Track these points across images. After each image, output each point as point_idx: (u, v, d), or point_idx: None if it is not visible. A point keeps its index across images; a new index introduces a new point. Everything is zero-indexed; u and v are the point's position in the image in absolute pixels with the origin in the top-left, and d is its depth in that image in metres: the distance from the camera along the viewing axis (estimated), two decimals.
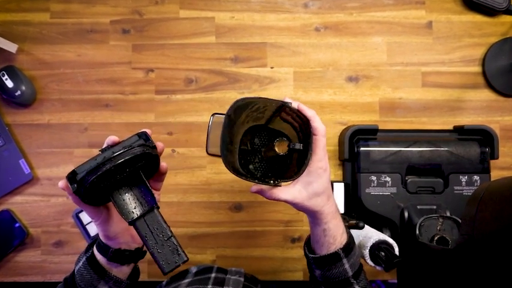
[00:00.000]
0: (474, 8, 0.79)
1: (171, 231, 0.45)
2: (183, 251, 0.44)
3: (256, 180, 0.49)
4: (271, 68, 0.79)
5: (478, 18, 0.80)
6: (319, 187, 0.49)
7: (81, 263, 0.51)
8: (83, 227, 0.76)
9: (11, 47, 0.77)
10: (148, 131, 0.46)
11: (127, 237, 0.51)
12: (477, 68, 0.79)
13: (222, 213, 0.78)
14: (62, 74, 0.79)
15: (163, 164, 0.48)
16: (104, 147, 0.45)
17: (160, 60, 0.80)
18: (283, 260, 0.78)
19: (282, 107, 0.50)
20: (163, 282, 0.68)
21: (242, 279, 0.64)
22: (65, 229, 0.78)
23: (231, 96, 0.79)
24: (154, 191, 0.49)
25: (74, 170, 0.42)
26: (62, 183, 0.44)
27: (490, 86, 0.78)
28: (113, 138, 0.46)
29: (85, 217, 0.76)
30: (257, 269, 0.77)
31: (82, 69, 0.79)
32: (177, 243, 0.44)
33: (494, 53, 0.78)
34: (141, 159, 0.43)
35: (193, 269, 0.69)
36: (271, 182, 0.49)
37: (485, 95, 0.79)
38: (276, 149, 0.52)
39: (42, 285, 0.78)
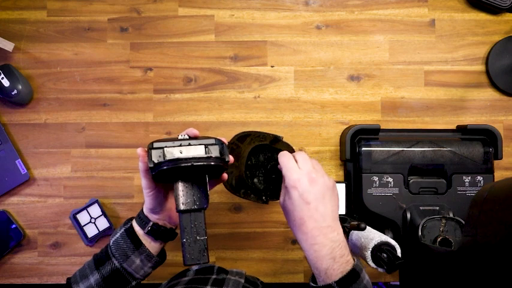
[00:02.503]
0: (477, 6, 0.78)
1: (206, 234, 0.50)
2: (208, 254, 0.49)
3: (252, 196, 0.61)
4: (272, 66, 0.78)
5: (482, 16, 0.78)
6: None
7: (118, 234, 0.55)
8: (80, 228, 0.75)
9: (7, 46, 0.76)
10: (225, 141, 0.51)
11: (166, 216, 0.56)
12: (481, 67, 0.78)
13: (221, 214, 0.77)
14: (59, 72, 0.78)
15: (225, 174, 0.55)
16: (182, 133, 0.51)
17: (159, 59, 0.78)
18: (284, 261, 0.77)
19: (276, 139, 0.62)
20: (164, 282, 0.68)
21: (242, 280, 0.63)
22: (62, 230, 0.77)
23: (230, 95, 0.78)
24: None
25: (152, 142, 0.49)
26: (141, 150, 0.50)
27: (494, 85, 0.77)
28: (194, 131, 0.52)
29: (82, 218, 0.75)
30: (257, 270, 0.76)
31: (79, 68, 0.78)
32: (206, 245, 0.49)
33: (498, 51, 0.77)
34: (214, 168, 0.49)
35: (195, 267, 0.69)
36: (263, 199, 0.61)
37: (489, 94, 0.78)
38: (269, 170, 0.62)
39: None
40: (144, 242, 0.55)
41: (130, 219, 0.57)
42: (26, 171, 0.76)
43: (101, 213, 0.75)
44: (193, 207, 0.49)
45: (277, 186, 0.63)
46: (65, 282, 0.57)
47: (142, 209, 0.56)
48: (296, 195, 0.49)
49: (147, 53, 0.79)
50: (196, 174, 0.50)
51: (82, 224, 0.75)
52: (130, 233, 0.55)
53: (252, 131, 0.62)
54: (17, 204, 0.77)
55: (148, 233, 0.55)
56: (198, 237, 0.49)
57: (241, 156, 0.62)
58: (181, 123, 0.78)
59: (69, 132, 0.78)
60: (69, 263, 0.76)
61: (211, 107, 0.78)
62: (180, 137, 0.50)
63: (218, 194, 0.77)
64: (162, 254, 0.59)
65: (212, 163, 0.48)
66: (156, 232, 0.55)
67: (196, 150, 0.49)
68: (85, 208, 0.75)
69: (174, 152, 0.48)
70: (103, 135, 0.78)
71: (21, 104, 0.77)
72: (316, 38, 0.79)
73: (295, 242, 0.77)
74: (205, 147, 0.49)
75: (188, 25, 0.79)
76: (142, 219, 0.55)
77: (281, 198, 0.53)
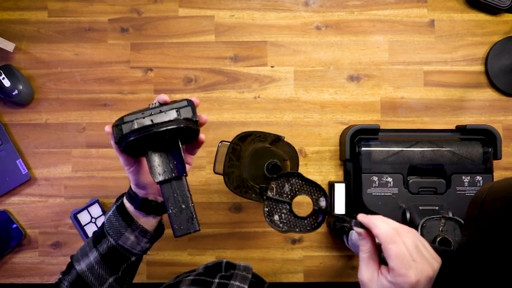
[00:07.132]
0: (477, 6, 0.78)
1: (191, 201, 0.48)
2: (197, 222, 0.47)
3: (254, 196, 0.58)
4: (272, 67, 0.79)
5: (481, 16, 0.79)
6: None
7: (111, 211, 0.55)
8: (80, 227, 0.75)
9: (8, 46, 0.76)
10: (196, 101, 0.49)
11: (155, 190, 0.54)
12: (480, 67, 0.78)
13: (221, 214, 0.77)
14: (59, 73, 0.79)
15: (201, 136, 0.52)
16: (153, 102, 0.49)
17: (159, 59, 0.79)
18: (284, 261, 0.77)
19: (277, 139, 0.61)
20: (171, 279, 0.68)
21: (250, 275, 0.63)
22: (62, 230, 0.77)
23: (230, 95, 0.78)
24: (188, 158, 0.54)
25: (122, 117, 0.47)
26: (109, 127, 0.49)
27: (493, 85, 0.77)
28: (164, 98, 0.49)
29: (83, 218, 0.75)
30: (257, 270, 0.76)
31: (80, 68, 0.79)
32: (194, 212, 0.47)
33: (497, 51, 0.77)
34: (183, 131, 0.47)
35: (203, 264, 0.69)
36: (264, 199, 0.53)
37: (488, 94, 0.78)
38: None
39: (39, 287, 0.78)
40: (136, 218, 0.54)
41: (122, 195, 0.57)
42: (26, 171, 0.76)
43: (101, 213, 0.75)
44: (171, 176, 0.48)
45: None
46: None
47: (131, 186, 0.56)
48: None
49: (147, 54, 0.79)
50: (168, 140, 0.48)
51: (83, 224, 0.75)
52: (121, 210, 0.54)
53: (254, 131, 0.62)
54: (17, 204, 0.77)
55: (138, 209, 0.54)
56: (183, 206, 0.47)
57: (242, 156, 0.62)
58: None
59: (70, 132, 0.78)
60: None
61: (211, 107, 0.78)
62: (151, 106, 0.48)
63: (218, 194, 0.78)
64: (159, 229, 0.58)
65: (182, 125, 0.46)
66: (146, 207, 0.54)
67: (168, 116, 0.47)
68: (86, 208, 0.75)
69: (145, 122, 0.46)
70: (104, 135, 0.78)
71: (22, 104, 0.77)
72: (316, 38, 0.79)
73: (295, 241, 0.77)
74: (177, 111, 0.47)
75: (188, 25, 0.79)
76: (132, 196, 0.54)
77: (369, 279, 0.41)
